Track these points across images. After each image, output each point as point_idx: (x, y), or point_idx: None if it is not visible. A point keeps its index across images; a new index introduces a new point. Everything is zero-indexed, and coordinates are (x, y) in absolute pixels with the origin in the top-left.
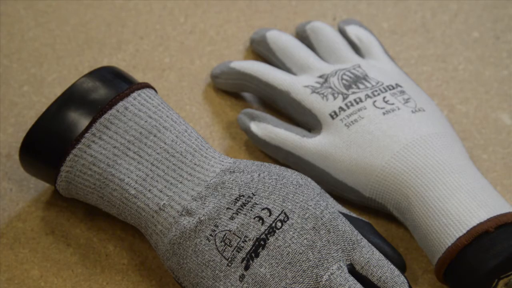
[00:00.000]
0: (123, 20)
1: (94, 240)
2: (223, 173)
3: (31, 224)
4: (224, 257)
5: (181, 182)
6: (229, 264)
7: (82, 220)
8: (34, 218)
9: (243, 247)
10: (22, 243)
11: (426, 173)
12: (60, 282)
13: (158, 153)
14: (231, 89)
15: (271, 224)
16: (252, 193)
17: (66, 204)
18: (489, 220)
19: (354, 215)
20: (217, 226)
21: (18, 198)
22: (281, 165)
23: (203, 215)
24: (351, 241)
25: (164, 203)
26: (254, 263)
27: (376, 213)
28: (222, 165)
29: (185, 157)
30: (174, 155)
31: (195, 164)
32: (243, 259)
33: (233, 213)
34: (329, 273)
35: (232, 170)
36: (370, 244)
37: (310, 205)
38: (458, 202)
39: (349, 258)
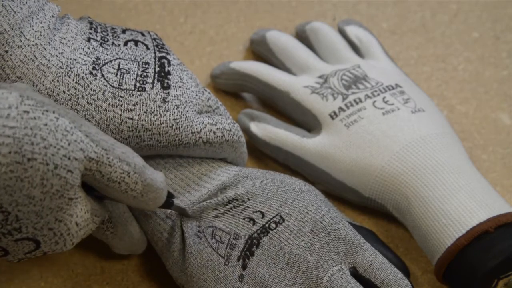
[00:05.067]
0: (123, 20)
1: (94, 240)
2: (228, 180)
3: None
4: (220, 255)
5: (188, 192)
6: (226, 263)
7: None
8: None
9: (235, 244)
10: None
11: (425, 174)
12: (60, 282)
13: (165, 162)
14: (231, 89)
15: (264, 225)
16: (248, 198)
17: None
18: (488, 220)
19: (357, 223)
20: (200, 222)
21: None
22: (281, 165)
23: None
24: (353, 244)
25: (170, 212)
26: (251, 263)
27: (376, 213)
28: (228, 173)
29: (192, 167)
30: (181, 165)
31: (202, 174)
32: (238, 258)
33: (219, 213)
34: (329, 275)
35: (236, 177)
36: (373, 248)
37: (310, 210)
38: (457, 202)
39: (351, 261)
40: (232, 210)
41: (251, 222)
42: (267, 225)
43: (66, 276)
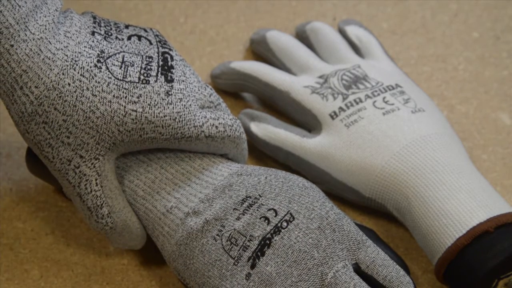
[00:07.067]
0: (123, 20)
1: (94, 240)
2: (230, 176)
3: (31, 224)
4: (231, 256)
5: (189, 185)
6: (236, 263)
7: (82, 220)
8: (34, 218)
9: (248, 246)
10: (22, 243)
11: (425, 173)
12: (60, 282)
13: (167, 157)
14: (231, 89)
15: (276, 224)
16: (259, 195)
17: (66, 204)
18: (488, 220)
19: (358, 222)
20: (224, 226)
21: (18, 198)
22: (281, 165)
23: (210, 215)
24: (356, 240)
25: (171, 205)
26: (260, 262)
27: (376, 213)
28: (230, 169)
29: (193, 161)
30: (183, 159)
31: (203, 168)
32: (249, 258)
33: (240, 214)
34: (334, 271)
35: (239, 173)
36: (375, 245)
37: (316, 206)
38: (457, 202)
39: (354, 257)
40: (250, 209)
41: (266, 221)
42: (279, 224)
43: (66, 276)
